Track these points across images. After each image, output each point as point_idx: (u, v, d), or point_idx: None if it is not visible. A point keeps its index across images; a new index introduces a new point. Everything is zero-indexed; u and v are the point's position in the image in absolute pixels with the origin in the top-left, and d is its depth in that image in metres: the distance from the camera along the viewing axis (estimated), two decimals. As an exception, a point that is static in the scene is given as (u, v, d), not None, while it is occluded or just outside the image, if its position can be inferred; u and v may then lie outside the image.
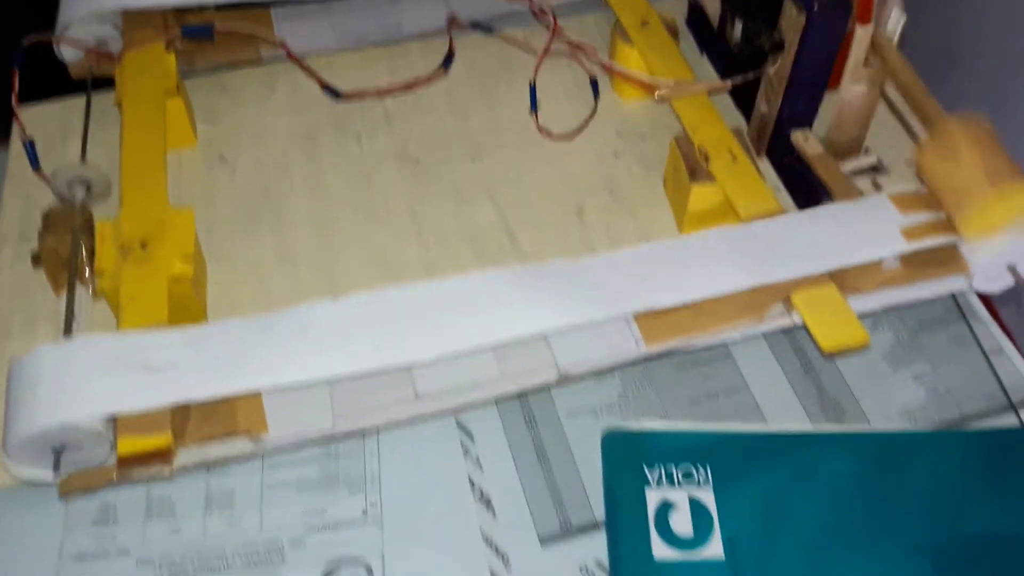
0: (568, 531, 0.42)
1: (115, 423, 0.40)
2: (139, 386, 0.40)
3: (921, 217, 0.46)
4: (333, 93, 0.57)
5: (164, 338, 0.42)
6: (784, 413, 0.46)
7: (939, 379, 0.48)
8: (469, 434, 0.45)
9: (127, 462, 0.40)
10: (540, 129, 0.57)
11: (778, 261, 0.44)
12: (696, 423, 0.43)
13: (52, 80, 0.58)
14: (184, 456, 0.41)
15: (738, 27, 0.54)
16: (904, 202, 0.47)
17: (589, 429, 0.45)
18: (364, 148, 0.58)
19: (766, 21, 0.51)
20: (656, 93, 0.52)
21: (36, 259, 0.49)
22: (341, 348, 0.42)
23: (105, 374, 0.40)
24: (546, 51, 0.56)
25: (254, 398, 0.42)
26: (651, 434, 0.42)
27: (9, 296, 0.50)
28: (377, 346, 0.42)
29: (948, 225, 0.46)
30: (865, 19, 0.49)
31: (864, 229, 0.46)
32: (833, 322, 0.44)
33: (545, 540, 0.42)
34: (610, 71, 0.57)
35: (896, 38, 0.50)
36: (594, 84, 0.59)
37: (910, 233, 0.45)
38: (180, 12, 0.60)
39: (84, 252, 0.48)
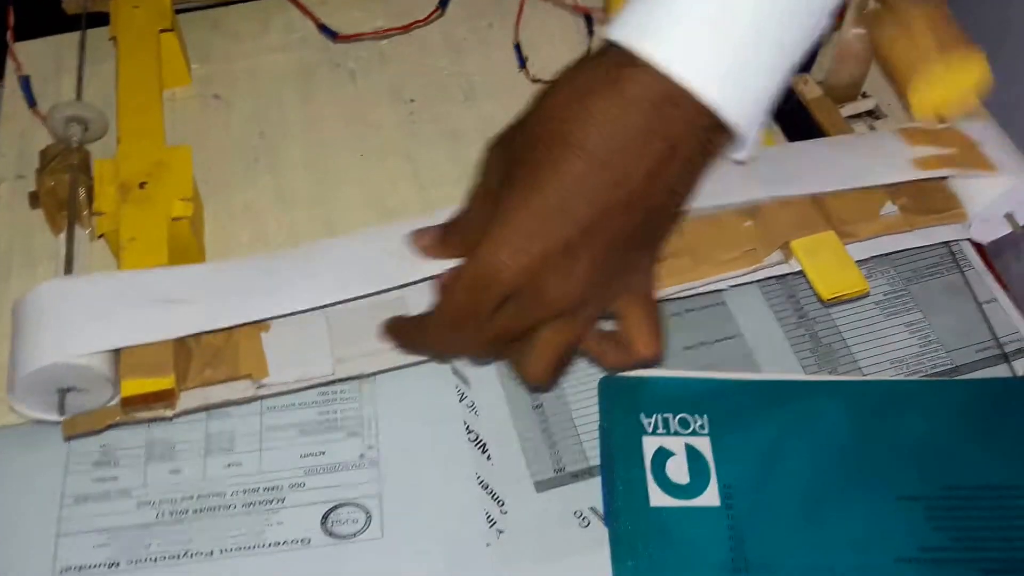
0: (563, 476, 0.43)
1: (119, 364, 0.41)
2: (142, 320, 0.41)
3: (929, 151, 0.46)
4: (330, 34, 0.56)
5: (166, 275, 0.42)
6: (777, 360, 0.47)
7: (932, 328, 0.48)
8: (464, 379, 0.46)
9: (130, 403, 0.40)
10: (533, 80, 0.56)
11: (786, 179, 0.45)
12: (693, 371, 0.44)
13: (45, 16, 0.57)
14: (186, 399, 0.42)
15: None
16: (913, 136, 0.47)
17: (583, 374, 0.46)
18: (359, 86, 0.57)
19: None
20: None
21: (34, 198, 0.49)
22: (339, 276, 0.42)
23: (107, 309, 0.41)
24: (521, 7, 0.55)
25: (255, 342, 0.43)
26: (648, 381, 0.43)
27: (7, 236, 0.50)
28: (375, 272, 0.42)
29: (955, 160, 0.46)
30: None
31: (873, 157, 0.46)
32: (833, 270, 0.44)
33: (540, 485, 0.43)
34: None
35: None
36: (588, 20, 0.58)
37: (919, 163, 0.46)
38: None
39: (83, 192, 0.48)
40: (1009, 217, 0.47)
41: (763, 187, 0.45)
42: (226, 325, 0.41)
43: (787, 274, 0.46)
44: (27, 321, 0.41)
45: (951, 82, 0.45)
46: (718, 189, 0.43)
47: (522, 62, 0.57)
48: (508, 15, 0.60)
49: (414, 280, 0.42)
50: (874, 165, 0.46)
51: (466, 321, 0.37)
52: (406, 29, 0.58)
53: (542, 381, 0.39)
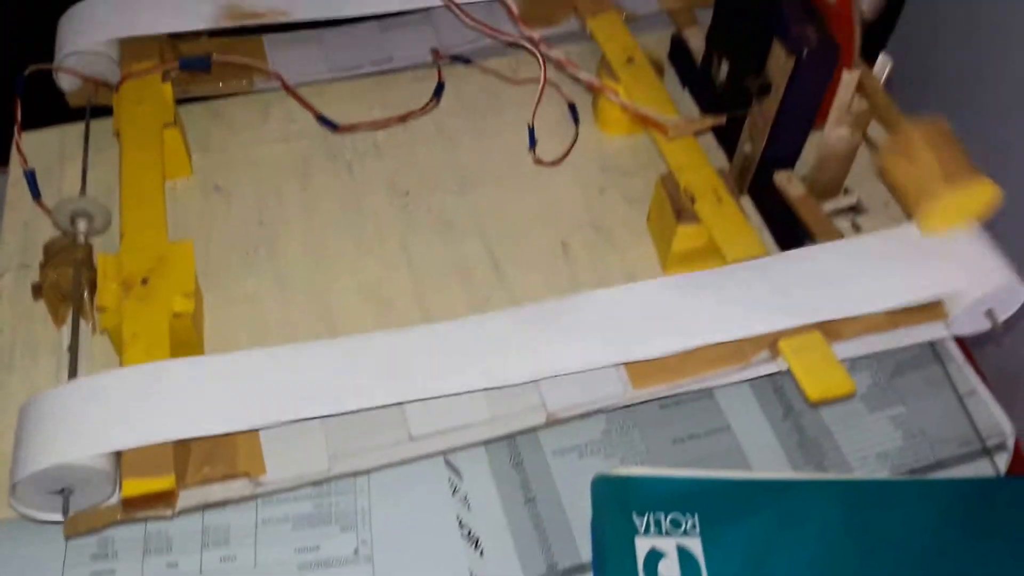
0: (555, 573, 0.44)
1: (120, 464, 0.41)
2: (141, 424, 0.41)
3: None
4: (330, 125, 0.58)
5: (165, 373, 0.43)
6: (765, 455, 0.48)
7: (914, 421, 0.50)
8: (458, 473, 0.47)
9: (131, 504, 0.41)
10: (536, 160, 0.58)
11: (767, 312, 0.46)
12: (683, 468, 0.45)
13: (48, 107, 0.59)
14: (185, 498, 0.42)
15: (724, 67, 0.55)
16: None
17: (575, 468, 0.47)
18: (355, 177, 0.59)
19: (752, 62, 0.52)
20: (669, 133, 0.53)
21: (37, 290, 0.50)
22: (337, 388, 0.43)
23: (109, 411, 0.42)
24: (542, 91, 0.57)
25: (252, 440, 0.44)
26: (640, 480, 0.44)
27: (10, 327, 0.51)
28: (372, 388, 0.43)
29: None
30: (848, 64, 0.51)
31: (856, 282, 0.47)
32: (820, 371, 0.45)
33: (533, 581, 0.44)
34: (626, 107, 0.57)
35: (883, 81, 0.52)
36: (572, 109, 0.60)
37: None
38: (176, 39, 0.60)
39: (85, 286, 0.49)
40: (989, 314, 0.49)
41: (747, 324, 0.46)
42: (222, 431, 0.42)
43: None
44: (28, 427, 0.42)
45: (958, 207, 0.47)
46: (728, 322, 0.45)
47: (533, 142, 0.59)
48: (501, 108, 0.62)
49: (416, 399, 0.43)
50: (855, 295, 0.47)
51: None
52: (402, 120, 0.60)
53: None
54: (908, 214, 0.48)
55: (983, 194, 0.47)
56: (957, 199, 0.46)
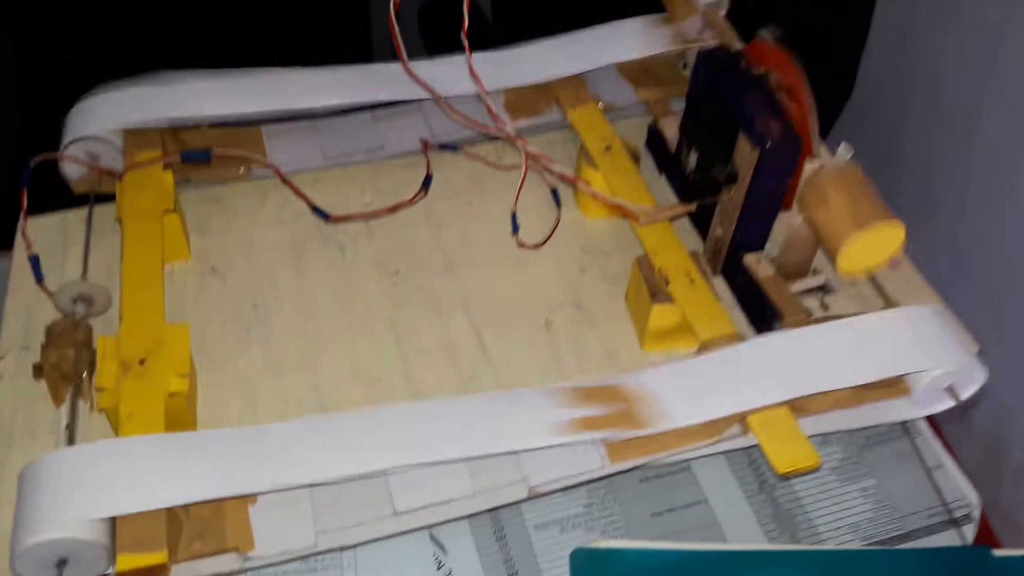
0: (536, 645, 0.45)
1: (114, 538, 0.43)
2: (135, 494, 0.43)
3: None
4: (323, 215, 0.61)
5: (159, 447, 0.45)
6: (740, 527, 0.50)
7: (884, 493, 0.51)
8: (442, 547, 0.48)
9: (125, 579, 0.42)
10: (520, 244, 0.61)
11: (737, 394, 0.48)
12: (660, 541, 0.46)
13: (48, 193, 0.62)
14: (177, 572, 0.44)
15: (693, 157, 0.59)
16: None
17: (556, 541, 0.49)
18: (347, 259, 0.61)
19: (720, 153, 0.56)
20: (640, 221, 0.57)
21: (38, 370, 0.52)
22: (324, 460, 0.45)
23: (106, 479, 0.43)
24: (522, 182, 0.60)
25: (241, 515, 0.45)
26: (618, 553, 0.45)
27: (11, 405, 0.53)
28: (357, 460, 0.45)
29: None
30: (809, 153, 0.54)
31: (820, 363, 0.50)
32: (787, 445, 0.47)
33: (514, 653, 0.45)
34: (598, 197, 0.60)
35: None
36: (555, 193, 0.63)
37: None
38: (177, 128, 0.63)
39: (85, 367, 0.51)
40: (950, 390, 0.51)
41: (719, 407, 0.48)
42: (211, 497, 0.44)
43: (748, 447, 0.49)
44: (28, 493, 0.43)
45: (871, 250, 0.50)
46: (700, 406, 0.48)
47: (515, 228, 0.62)
48: (485, 192, 0.65)
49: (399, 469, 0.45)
50: (819, 375, 0.49)
51: None
52: (393, 210, 0.63)
53: None
54: (829, 258, 0.52)
55: (893, 235, 0.50)
56: (867, 241, 0.50)
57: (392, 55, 0.60)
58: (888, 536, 0.50)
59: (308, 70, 0.65)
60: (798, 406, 0.49)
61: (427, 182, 0.64)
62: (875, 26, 0.98)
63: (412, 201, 0.63)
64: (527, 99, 0.68)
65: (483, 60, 0.65)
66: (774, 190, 0.54)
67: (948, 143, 1.09)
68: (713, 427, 0.48)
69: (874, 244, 0.50)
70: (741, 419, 0.48)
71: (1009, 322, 1.07)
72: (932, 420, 0.55)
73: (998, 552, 0.46)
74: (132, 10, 0.89)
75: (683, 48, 0.68)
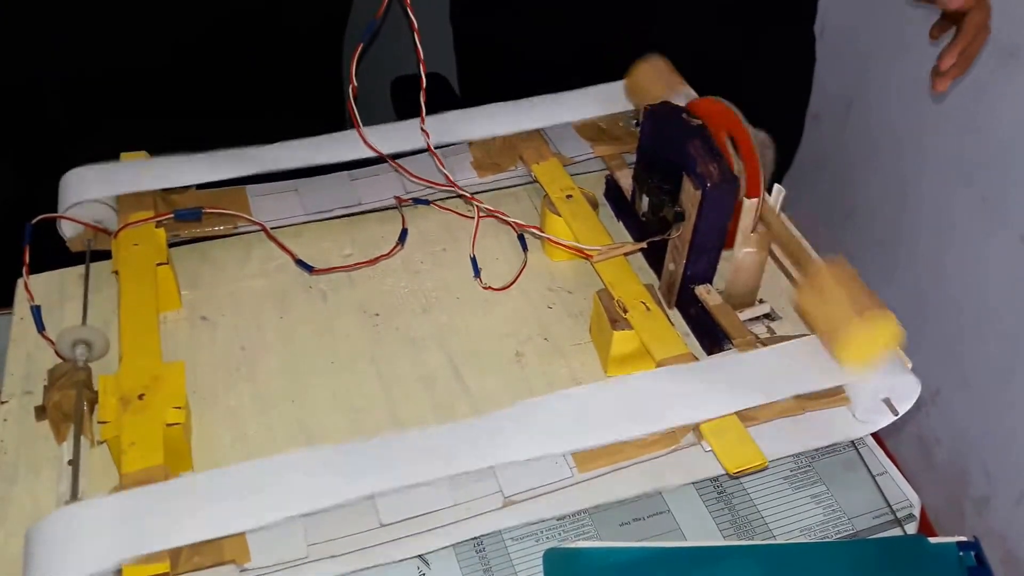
0: (514, 640, 0.48)
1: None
2: (138, 540, 0.46)
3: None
4: (306, 267, 0.66)
5: (158, 495, 0.49)
6: (701, 531, 0.54)
7: (834, 499, 0.56)
8: (425, 560, 0.52)
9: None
10: (484, 287, 0.66)
11: (691, 406, 0.53)
12: (626, 542, 0.50)
13: (52, 252, 0.66)
14: (177, 585, 0.47)
15: (645, 201, 0.64)
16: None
17: (532, 551, 0.52)
18: (329, 304, 0.66)
19: (669, 195, 0.61)
20: (593, 258, 0.62)
21: (40, 411, 0.55)
22: (313, 490, 0.49)
23: (109, 534, 0.47)
24: (476, 232, 0.69)
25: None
26: (587, 552, 0.49)
27: (15, 445, 0.56)
28: (346, 486, 0.49)
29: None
30: (751, 194, 0.60)
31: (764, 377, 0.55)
32: (736, 447, 0.52)
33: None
34: (552, 241, 0.66)
35: (778, 207, 0.60)
36: (521, 239, 0.69)
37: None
38: (167, 190, 0.68)
39: (86, 406, 0.54)
40: (887, 402, 0.56)
41: (675, 417, 0.53)
42: (212, 536, 0.47)
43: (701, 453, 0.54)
44: (33, 551, 0.47)
45: (870, 339, 0.54)
46: (660, 417, 0.52)
47: (477, 272, 0.67)
48: (458, 240, 0.70)
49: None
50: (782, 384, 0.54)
51: None
52: (372, 263, 0.68)
53: None
54: (826, 347, 0.55)
55: (890, 327, 0.54)
56: (868, 331, 0.53)
57: (369, 116, 0.67)
58: (838, 536, 0.54)
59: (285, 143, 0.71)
60: (747, 416, 0.53)
61: (403, 236, 0.69)
62: (824, 92, 1.06)
63: (390, 254, 0.68)
64: (494, 156, 0.73)
65: (453, 118, 0.71)
66: (717, 226, 0.60)
67: (895, 198, 1.16)
68: (672, 437, 0.53)
69: (871, 336, 0.53)
70: (696, 428, 0.53)
71: (967, 367, 1.13)
72: (876, 435, 0.59)
73: (933, 540, 0.50)
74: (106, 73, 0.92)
75: (635, 109, 0.74)
